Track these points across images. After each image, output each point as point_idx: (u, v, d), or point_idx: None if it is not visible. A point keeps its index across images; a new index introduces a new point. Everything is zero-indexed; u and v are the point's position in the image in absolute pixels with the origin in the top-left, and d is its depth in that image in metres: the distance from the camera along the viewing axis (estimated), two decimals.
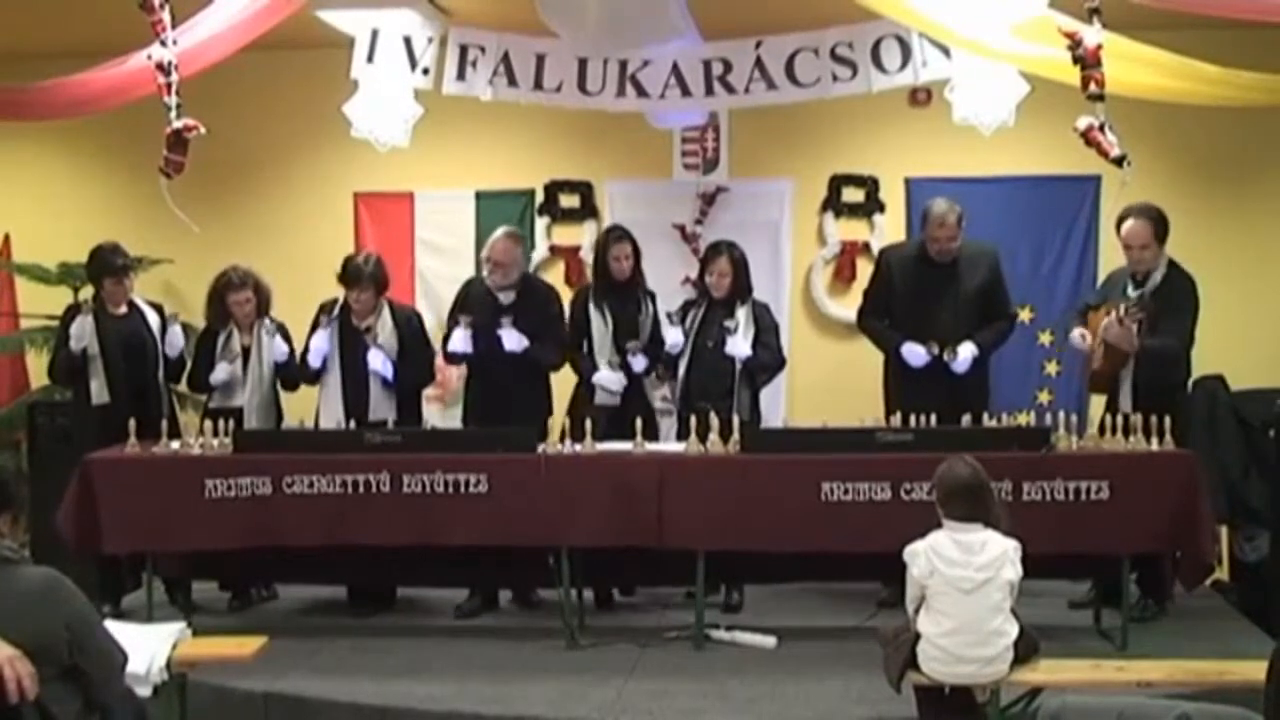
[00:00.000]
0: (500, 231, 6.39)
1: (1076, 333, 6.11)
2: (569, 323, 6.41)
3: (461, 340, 6.18)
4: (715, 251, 6.35)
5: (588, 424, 5.75)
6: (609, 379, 6.25)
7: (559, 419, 6.00)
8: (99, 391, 6.21)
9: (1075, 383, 7.04)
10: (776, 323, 6.46)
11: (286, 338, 6.41)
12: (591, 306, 6.34)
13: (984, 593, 4.12)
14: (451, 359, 6.40)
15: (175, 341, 6.41)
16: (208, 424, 5.94)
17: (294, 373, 6.38)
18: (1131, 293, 5.87)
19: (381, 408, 6.17)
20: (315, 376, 6.28)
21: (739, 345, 6.16)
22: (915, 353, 6.11)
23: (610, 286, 6.38)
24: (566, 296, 6.64)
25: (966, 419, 5.68)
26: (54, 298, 7.68)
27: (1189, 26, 6.14)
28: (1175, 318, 5.81)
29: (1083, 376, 6.37)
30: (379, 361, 6.15)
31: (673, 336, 6.29)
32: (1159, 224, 5.83)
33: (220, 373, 6.29)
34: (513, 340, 6.12)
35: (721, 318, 6.21)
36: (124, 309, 6.38)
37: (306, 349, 6.28)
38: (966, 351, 6.07)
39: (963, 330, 6.12)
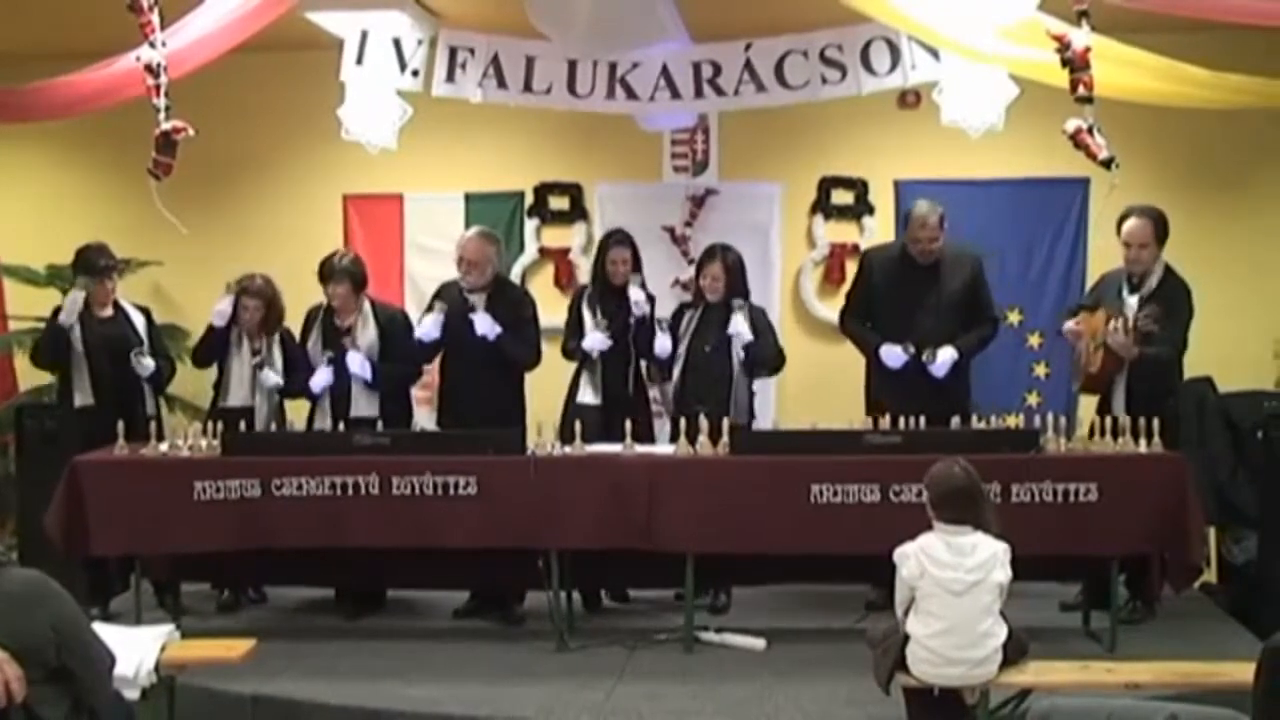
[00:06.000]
0: (472, 230, 6.41)
1: (1069, 325, 6.09)
2: (566, 323, 6.41)
3: (432, 324, 6.15)
4: (709, 256, 6.32)
5: (577, 425, 5.75)
6: (594, 340, 6.21)
7: (547, 422, 5.97)
8: (82, 394, 6.22)
9: (1064, 385, 7.06)
10: (772, 325, 6.47)
11: (288, 361, 6.40)
12: (585, 307, 6.35)
13: (974, 595, 4.13)
14: (423, 348, 6.31)
15: (143, 369, 6.36)
16: (195, 425, 5.93)
17: (290, 393, 6.41)
18: (1128, 295, 5.89)
19: (363, 403, 6.18)
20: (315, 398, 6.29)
21: (740, 325, 6.09)
22: (893, 354, 6.12)
23: (606, 289, 6.38)
24: (558, 299, 6.63)
25: (956, 421, 5.69)
26: (42, 300, 7.63)
27: (1177, 29, 6.16)
28: (1170, 324, 5.82)
29: (1071, 378, 6.39)
30: (357, 364, 6.14)
31: (661, 343, 6.27)
32: (1159, 224, 5.88)
33: (219, 315, 6.30)
34: (484, 324, 6.08)
35: (718, 320, 6.20)
36: (109, 311, 6.40)
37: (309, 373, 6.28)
38: (946, 355, 6.06)
39: (944, 332, 6.11)
